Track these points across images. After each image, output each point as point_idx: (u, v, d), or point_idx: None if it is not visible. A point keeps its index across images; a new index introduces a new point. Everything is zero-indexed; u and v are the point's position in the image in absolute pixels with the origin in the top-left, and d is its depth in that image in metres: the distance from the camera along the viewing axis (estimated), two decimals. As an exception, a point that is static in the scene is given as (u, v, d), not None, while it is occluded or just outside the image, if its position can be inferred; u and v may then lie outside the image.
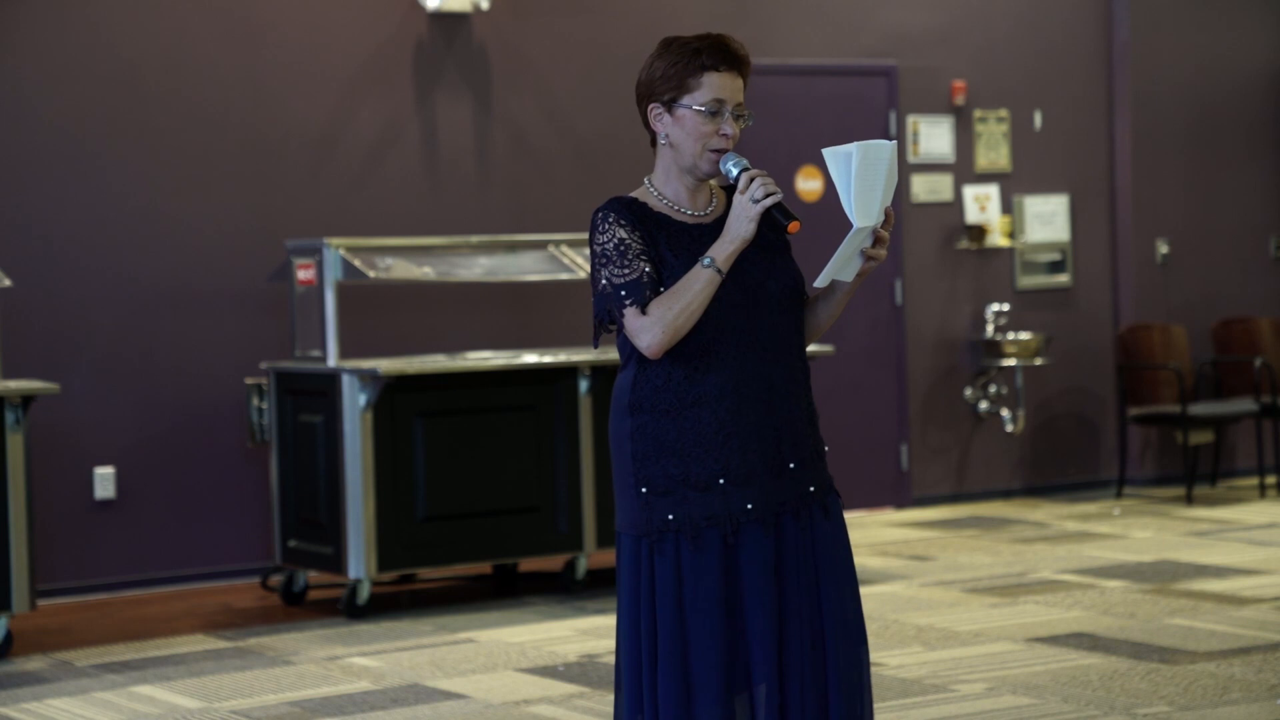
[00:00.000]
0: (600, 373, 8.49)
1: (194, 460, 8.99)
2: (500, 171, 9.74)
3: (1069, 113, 11.46)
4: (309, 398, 8.35)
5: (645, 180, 4.02)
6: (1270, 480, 11.49)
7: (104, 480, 8.79)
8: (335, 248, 8.31)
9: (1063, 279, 11.44)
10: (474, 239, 8.83)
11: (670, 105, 3.95)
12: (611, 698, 6.47)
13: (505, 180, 9.75)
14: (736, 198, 3.85)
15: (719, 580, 3.88)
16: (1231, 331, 11.66)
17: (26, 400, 7.47)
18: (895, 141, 3.91)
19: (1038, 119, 11.37)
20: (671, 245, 3.91)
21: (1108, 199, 11.59)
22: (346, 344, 8.47)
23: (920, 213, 10.93)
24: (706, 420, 3.89)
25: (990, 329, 11.04)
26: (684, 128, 3.93)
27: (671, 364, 3.89)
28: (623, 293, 3.85)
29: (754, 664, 3.88)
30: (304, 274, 8.42)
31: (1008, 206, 11.25)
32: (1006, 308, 11.08)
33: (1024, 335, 11.00)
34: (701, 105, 3.92)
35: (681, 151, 3.95)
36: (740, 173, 3.88)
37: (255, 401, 8.58)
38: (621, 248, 3.87)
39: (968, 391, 11.11)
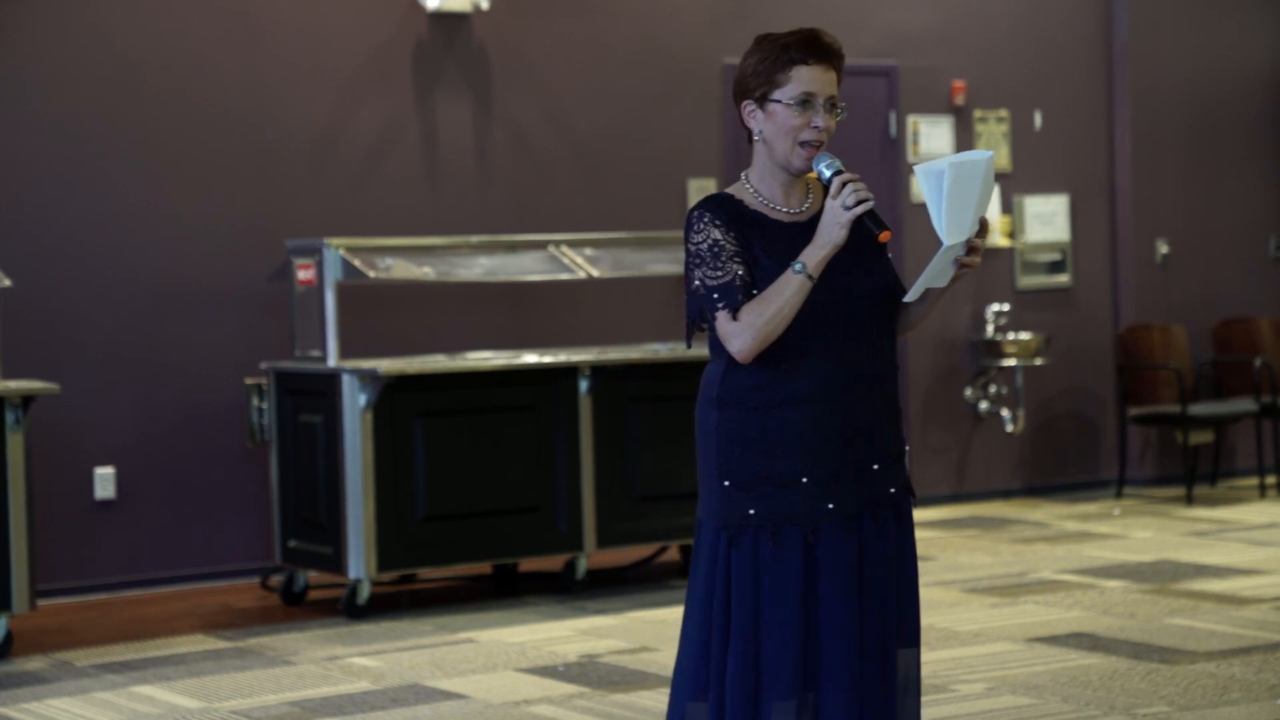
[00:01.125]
0: (600, 373, 8.48)
1: (194, 460, 8.98)
2: (500, 171, 9.74)
3: (1069, 113, 11.46)
4: (309, 398, 8.35)
5: (742, 176, 4.03)
6: (1270, 480, 11.49)
7: (104, 480, 8.79)
8: (335, 248, 8.31)
9: (1063, 279, 11.44)
10: (474, 239, 8.83)
11: (762, 101, 3.96)
12: (612, 697, 6.48)
13: (505, 180, 9.75)
14: (828, 202, 3.84)
15: (798, 577, 3.91)
16: (1231, 331, 11.66)
17: (26, 400, 7.47)
18: (992, 153, 3.91)
19: (1038, 119, 11.37)
20: (766, 246, 3.92)
21: (1108, 199, 11.60)
22: (346, 344, 8.47)
23: (920, 212, 10.92)
24: (793, 420, 3.90)
25: (990, 329, 11.04)
26: (775, 122, 3.94)
27: (760, 364, 3.91)
28: (715, 295, 3.87)
29: (827, 664, 3.91)
30: (304, 274, 8.42)
31: (1008, 206, 11.26)
32: (1006, 308, 11.08)
33: (1024, 335, 11.00)
34: (791, 99, 3.92)
35: (774, 147, 3.96)
36: (833, 176, 3.87)
37: (255, 401, 8.58)
38: (715, 249, 3.89)
39: (968, 391, 11.12)
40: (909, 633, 4.03)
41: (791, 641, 3.89)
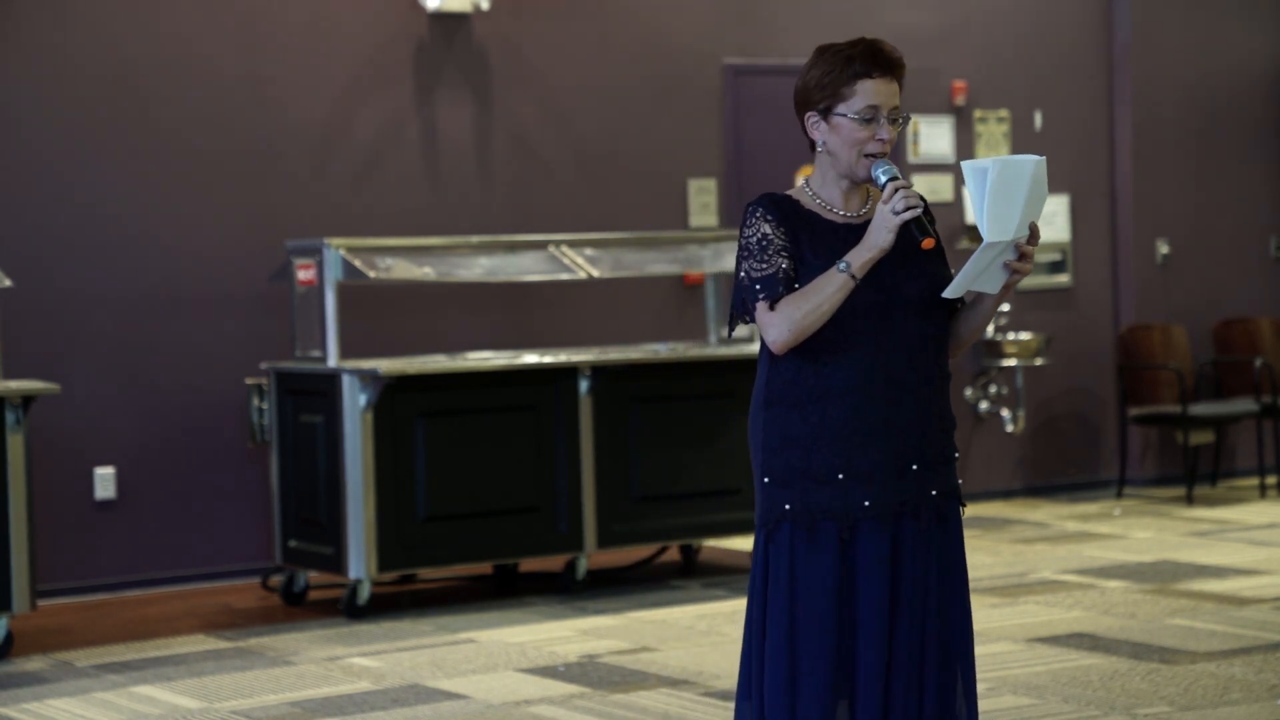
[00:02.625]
0: (600, 373, 8.48)
1: (194, 460, 8.98)
2: (500, 171, 9.74)
3: (1069, 113, 11.46)
4: (309, 398, 8.34)
5: (803, 180, 4.08)
6: (1270, 480, 11.48)
7: (104, 480, 8.79)
8: (335, 248, 8.31)
9: (1063, 279, 11.44)
10: (474, 239, 8.83)
11: (826, 113, 3.99)
12: (612, 697, 6.48)
13: (505, 180, 9.75)
14: (879, 207, 3.90)
15: (832, 573, 3.94)
16: (1231, 331, 11.66)
17: (26, 400, 7.47)
18: (1043, 157, 3.94)
19: (1038, 119, 11.37)
20: (814, 245, 3.97)
21: (1108, 199, 11.59)
22: (347, 344, 8.46)
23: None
24: (832, 415, 3.94)
25: (990, 329, 11.04)
26: (840, 135, 3.98)
27: (803, 358, 3.95)
28: (757, 286, 3.93)
29: (860, 662, 3.94)
30: (304, 274, 8.42)
31: (1008, 206, 11.23)
32: (1007, 308, 11.07)
33: (1024, 335, 11.00)
34: (856, 113, 3.96)
35: (838, 158, 4.00)
36: (887, 181, 3.92)
37: (255, 401, 8.58)
38: (763, 243, 3.94)
39: (968, 392, 11.11)
40: (955, 644, 4.03)
41: (827, 638, 3.92)
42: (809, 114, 4.01)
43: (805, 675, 3.92)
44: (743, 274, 3.95)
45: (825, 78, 3.98)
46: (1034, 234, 3.90)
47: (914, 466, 3.98)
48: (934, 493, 4.01)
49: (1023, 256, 3.91)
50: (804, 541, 3.94)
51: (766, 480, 3.98)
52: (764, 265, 3.93)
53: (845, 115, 3.96)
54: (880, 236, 3.87)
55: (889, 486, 3.96)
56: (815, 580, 3.93)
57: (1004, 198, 3.83)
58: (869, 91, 3.95)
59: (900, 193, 3.86)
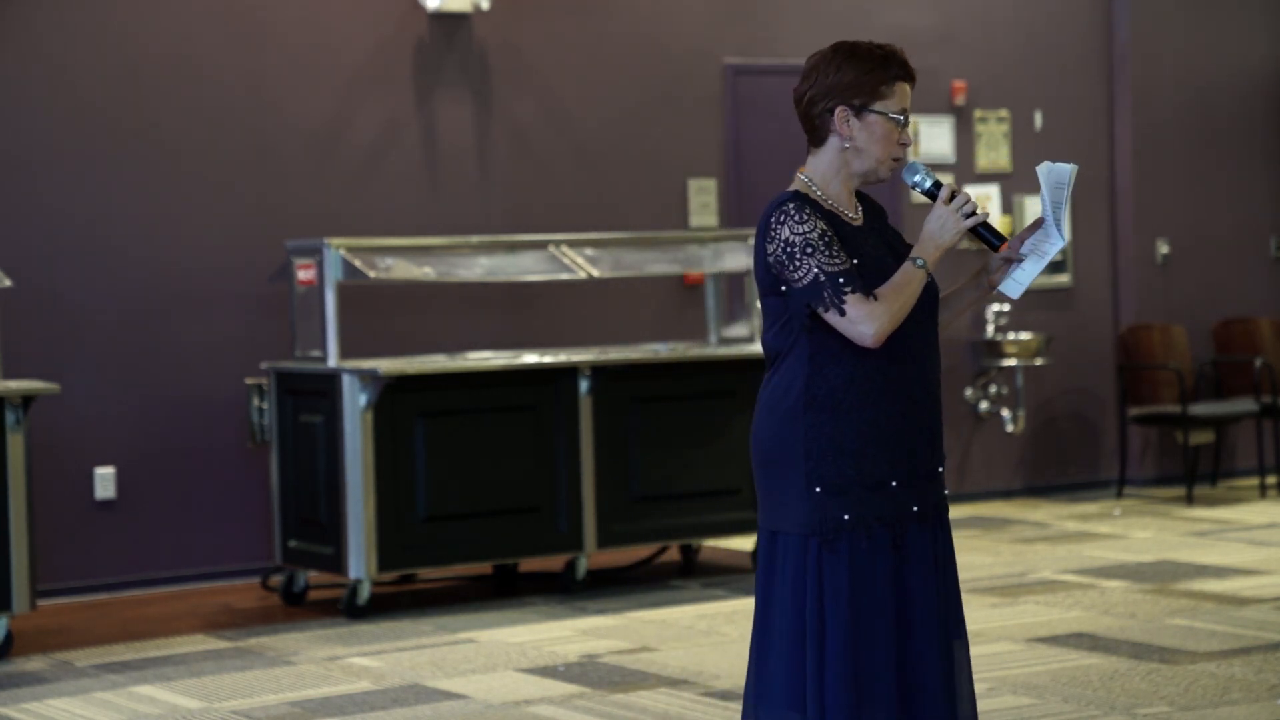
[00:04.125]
0: (600, 373, 8.48)
1: (194, 460, 8.98)
2: (500, 171, 9.74)
3: (1069, 113, 11.46)
4: (309, 398, 8.35)
5: (803, 177, 4.06)
6: (1270, 480, 11.48)
7: (104, 480, 8.79)
8: (335, 248, 8.31)
9: (1063, 279, 11.44)
10: (474, 239, 8.83)
11: (860, 111, 4.00)
12: (612, 697, 6.48)
13: (505, 180, 9.75)
14: (940, 208, 3.94)
15: (890, 579, 3.96)
16: (1231, 331, 11.66)
17: (26, 400, 7.47)
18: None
19: (1038, 119, 11.37)
20: (849, 245, 3.96)
21: (1108, 199, 11.60)
22: (346, 344, 8.46)
23: (920, 213, 10.94)
24: (883, 421, 3.95)
25: (990, 329, 11.04)
26: (873, 133, 4.00)
27: (858, 359, 3.93)
28: (841, 280, 3.88)
29: (924, 660, 3.97)
30: (304, 274, 8.42)
31: (1008, 207, 11.26)
32: (1006, 308, 11.08)
33: (1024, 335, 11.00)
34: (894, 112, 4.00)
35: (866, 156, 4.01)
36: (933, 184, 3.99)
37: (256, 401, 8.58)
38: (825, 238, 3.92)
39: (968, 391, 11.12)
40: (960, 624, 4.10)
41: (888, 643, 3.94)
42: (842, 108, 3.99)
43: (871, 681, 3.92)
44: (815, 270, 3.88)
45: (866, 75, 3.99)
46: None
47: (940, 469, 4.05)
48: (946, 492, 4.09)
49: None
50: (864, 550, 3.94)
51: (818, 490, 3.94)
52: (836, 260, 3.89)
53: (884, 114, 3.98)
54: (948, 236, 3.93)
55: (926, 489, 4.01)
56: (877, 587, 3.94)
57: (1068, 202, 3.98)
58: (904, 94, 4.02)
59: (961, 196, 3.93)
